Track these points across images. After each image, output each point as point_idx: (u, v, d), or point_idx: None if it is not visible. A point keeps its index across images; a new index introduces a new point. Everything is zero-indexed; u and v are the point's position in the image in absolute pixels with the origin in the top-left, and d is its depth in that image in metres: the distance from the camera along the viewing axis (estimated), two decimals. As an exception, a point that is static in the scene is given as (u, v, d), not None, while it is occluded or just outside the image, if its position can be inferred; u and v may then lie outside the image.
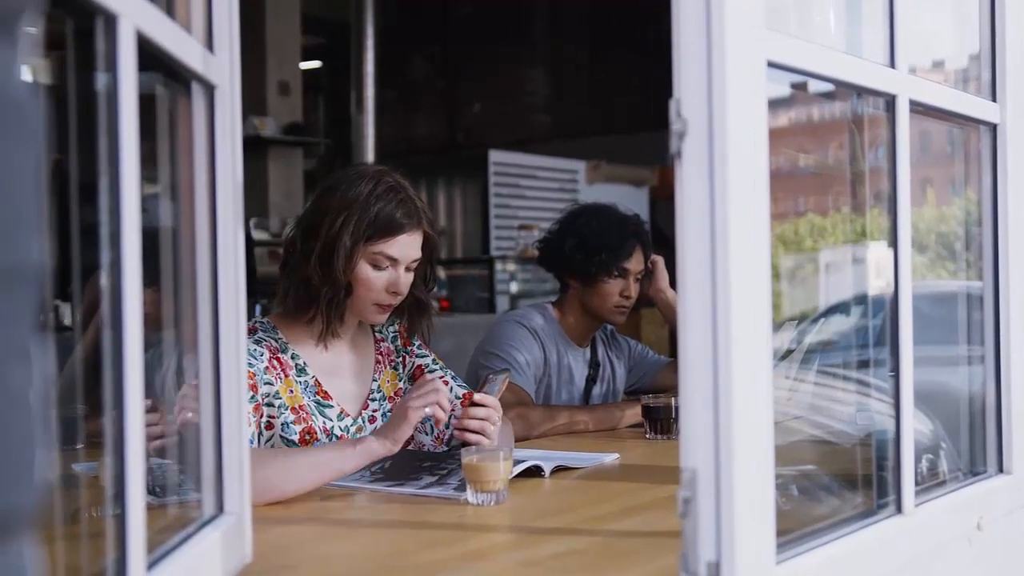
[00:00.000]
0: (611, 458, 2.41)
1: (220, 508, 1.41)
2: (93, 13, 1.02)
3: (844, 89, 1.63)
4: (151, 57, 1.15)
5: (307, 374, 2.28)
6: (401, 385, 2.45)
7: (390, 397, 2.42)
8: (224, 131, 1.41)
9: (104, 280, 1.04)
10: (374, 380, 2.41)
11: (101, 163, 1.04)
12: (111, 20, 1.03)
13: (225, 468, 1.41)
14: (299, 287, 2.26)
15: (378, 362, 2.43)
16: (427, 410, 2.04)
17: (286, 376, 2.24)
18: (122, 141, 1.04)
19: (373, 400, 2.39)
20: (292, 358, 2.28)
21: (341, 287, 2.23)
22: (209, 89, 1.39)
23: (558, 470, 2.23)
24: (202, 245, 1.40)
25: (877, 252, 1.90)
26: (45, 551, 0.64)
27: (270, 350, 2.23)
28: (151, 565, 1.12)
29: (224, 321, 1.41)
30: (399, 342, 2.49)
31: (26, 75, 0.63)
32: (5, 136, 0.59)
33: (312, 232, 2.25)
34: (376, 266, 2.25)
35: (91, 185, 1.05)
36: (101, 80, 1.05)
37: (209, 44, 1.39)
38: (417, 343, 2.50)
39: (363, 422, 2.34)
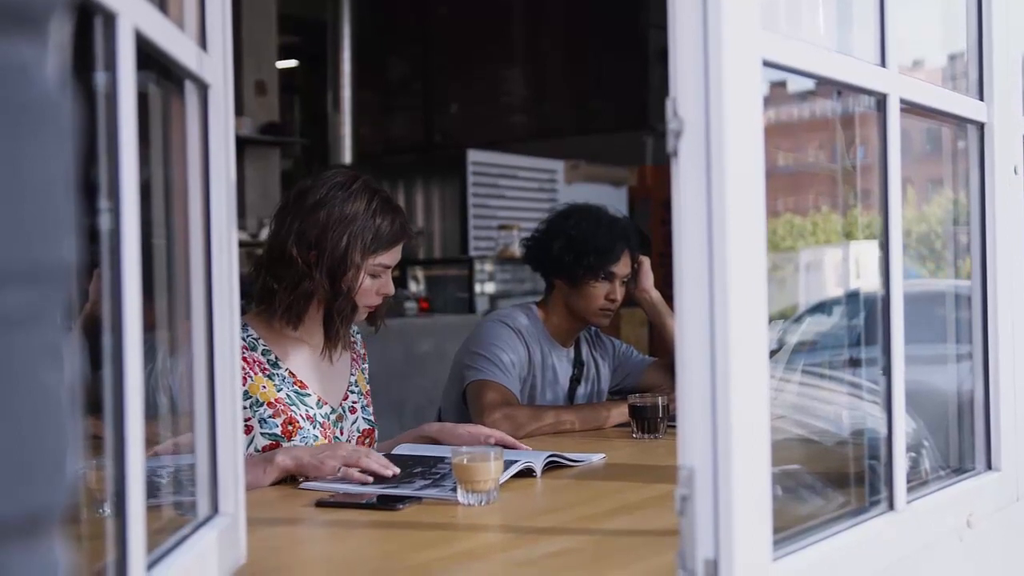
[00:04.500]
0: (598, 458, 2.41)
1: (215, 509, 1.40)
2: (92, 12, 1.01)
3: (825, 88, 1.64)
4: (145, 56, 1.14)
5: (280, 367, 2.35)
6: (367, 387, 2.57)
7: (365, 392, 2.53)
8: (218, 130, 1.40)
9: (103, 281, 1.04)
10: (352, 374, 2.50)
11: (100, 161, 1.04)
12: (110, 19, 1.02)
13: (220, 469, 1.41)
14: (302, 299, 2.31)
15: (353, 359, 2.52)
16: (340, 471, 2.08)
17: (256, 373, 2.30)
18: (121, 139, 1.03)
19: (352, 392, 2.48)
20: (263, 354, 2.34)
21: (351, 302, 2.33)
22: (203, 88, 1.38)
23: (550, 468, 2.24)
24: (195, 245, 1.39)
25: (858, 251, 1.91)
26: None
27: None
28: (150, 565, 1.11)
29: (218, 322, 1.41)
30: (362, 351, 2.60)
31: (57, 73, 0.62)
32: (37, 134, 0.59)
33: (310, 245, 2.30)
34: (373, 276, 2.36)
35: (88, 184, 1.05)
36: (99, 79, 1.04)
37: (203, 43, 1.38)
38: (366, 363, 2.61)
39: (343, 411, 2.44)
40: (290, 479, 2.14)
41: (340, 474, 2.07)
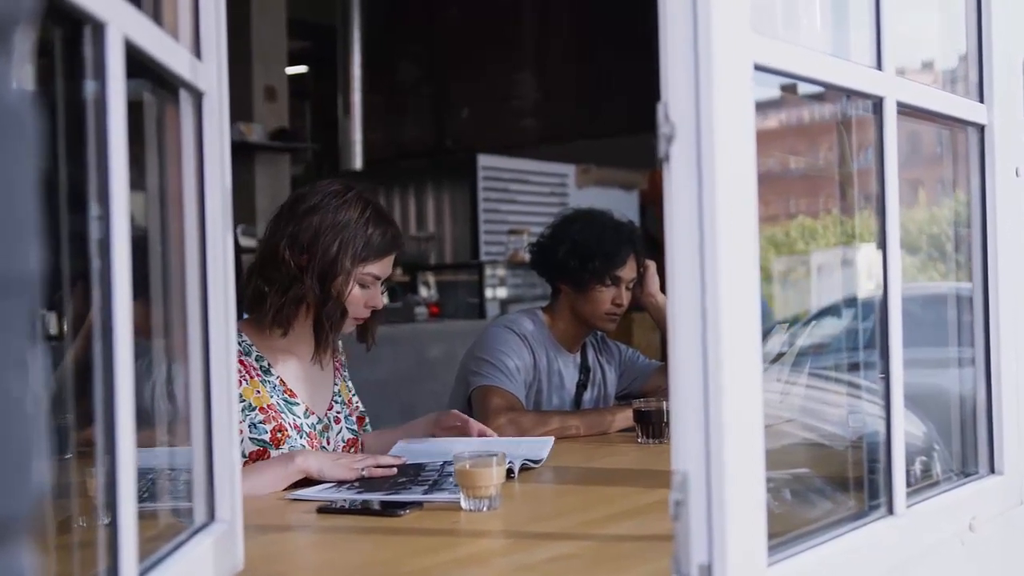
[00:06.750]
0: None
1: (211, 516, 1.40)
2: (81, 21, 1.01)
3: (833, 91, 1.64)
4: (138, 64, 1.15)
5: (272, 375, 2.38)
6: (350, 395, 2.59)
7: (347, 402, 2.55)
8: (212, 138, 1.40)
9: (93, 289, 1.04)
10: (335, 384, 2.53)
11: (89, 171, 1.04)
12: (99, 28, 1.03)
13: (216, 476, 1.41)
14: (292, 304, 2.34)
15: (336, 370, 2.55)
16: (364, 472, 2.20)
17: (251, 378, 2.33)
18: (111, 148, 1.04)
19: (336, 402, 2.51)
20: (256, 360, 2.37)
21: (340, 307, 2.35)
22: (197, 96, 1.38)
23: (523, 469, 2.28)
24: (191, 254, 1.39)
25: (868, 254, 1.91)
26: (39, 559, 0.64)
27: None
28: (143, 573, 1.11)
29: (214, 329, 1.41)
30: (343, 358, 2.62)
31: (22, 84, 0.63)
32: (2, 145, 0.59)
33: (302, 249, 2.33)
34: (362, 285, 2.38)
35: (79, 193, 1.05)
36: (89, 88, 1.05)
37: (197, 51, 1.39)
38: (346, 372, 2.62)
39: (329, 421, 2.46)
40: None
41: (366, 474, 2.17)
